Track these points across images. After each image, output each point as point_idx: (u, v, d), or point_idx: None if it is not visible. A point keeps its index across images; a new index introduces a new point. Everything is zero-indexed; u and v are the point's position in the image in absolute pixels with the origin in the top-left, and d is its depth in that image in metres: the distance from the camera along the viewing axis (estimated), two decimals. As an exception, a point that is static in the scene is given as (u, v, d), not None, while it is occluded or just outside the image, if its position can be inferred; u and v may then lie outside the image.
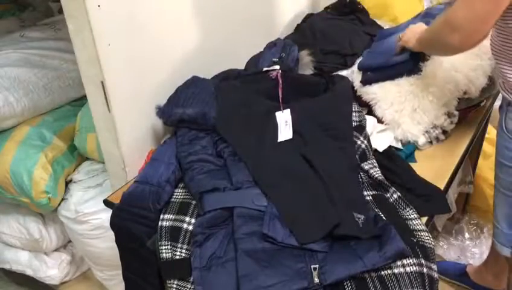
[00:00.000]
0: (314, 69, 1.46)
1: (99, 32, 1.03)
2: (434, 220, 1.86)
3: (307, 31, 1.72)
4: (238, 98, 1.21)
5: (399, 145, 1.26)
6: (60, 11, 2.09)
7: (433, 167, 1.21)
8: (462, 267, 1.82)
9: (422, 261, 0.90)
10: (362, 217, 0.95)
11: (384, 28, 1.70)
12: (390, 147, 1.24)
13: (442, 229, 2.03)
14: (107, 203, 1.19)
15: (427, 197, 1.09)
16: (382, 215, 0.99)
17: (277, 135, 1.15)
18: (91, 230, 1.56)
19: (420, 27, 1.28)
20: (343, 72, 1.48)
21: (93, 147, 1.56)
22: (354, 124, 1.20)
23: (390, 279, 0.86)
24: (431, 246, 0.95)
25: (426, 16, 1.43)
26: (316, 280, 0.83)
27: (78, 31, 1.04)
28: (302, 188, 1.01)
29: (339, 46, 1.59)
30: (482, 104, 1.47)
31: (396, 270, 0.87)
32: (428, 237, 0.96)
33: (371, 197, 1.05)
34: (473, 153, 1.93)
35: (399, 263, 0.88)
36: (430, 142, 1.29)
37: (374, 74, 1.35)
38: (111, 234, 1.10)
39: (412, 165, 1.20)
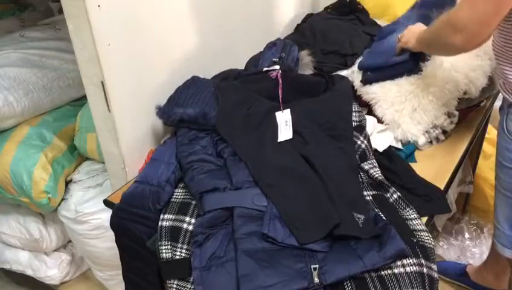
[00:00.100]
0: (314, 69, 1.46)
1: (99, 32, 1.03)
2: (434, 220, 1.86)
3: (307, 31, 1.72)
4: (238, 98, 1.20)
5: (399, 145, 1.26)
6: (60, 11, 2.09)
7: (433, 167, 1.21)
8: (462, 267, 1.82)
9: (422, 261, 0.90)
10: (362, 217, 0.95)
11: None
12: (390, 147, 1.24)
13: (442, 229, 2.03)
14: (107, 203, 1.19)
15: (427, 197, 1.09)
16: (382, 215, 0.99)
17: (277, 135, 1.15)
18: (91, 230, 1.56)
19: (419, 27, 1.28)
20: (343, 72, 1.48)
21: (93, 147, 1.56)
22: (354, 124, 1.20)
23: (390, 279, 0.86)
24: (431, 246, 0.95)
25: (422, 5, 1.42)
26: (316, 280, 0.83)
27: (78, 31, 1.04)
28: (302, 188, 1.01)
29: (339, 46, 1.59)
30: (482, 104, 1.47)
31: (396, 270, 0.87)
32: (428, 237, 0.96)
33: (371, 197, 1.05)
34: (473, 153, 1.93)
35: (399, 263, 0.88)
36: (430, 142, 1.29)
37: (374, 74, 1.35)
38: (111, 234, 1.10)
39: (412, 165, 1.20)
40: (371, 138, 1.22)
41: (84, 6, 0.98)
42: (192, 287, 0.89)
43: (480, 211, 2.09)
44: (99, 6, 1.01)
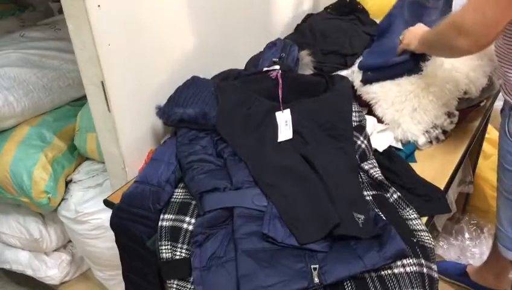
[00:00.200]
0: (314, 69, 1.46)
1: (99, 32, 1.03)
2: (434, 220, 1.86)
3: (307, 31, 1.72)
4: (238, 98, 1.20)
5: (399, 145, 1.26)
6: (60, 11, 2.09)
7: (433, 167, 1.21)
8: (462, 267, 1.82)
9: (422, 261, 0.90)
10: (362, 217, 0.95)
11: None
12: (390, 147, 1.24)
13: (442, 229, 2.03)
14: (107, 203, 1.19)
15: (427, 197, 1.09)
16: (382, 215, 0.99)
17: (277, 135, 1.15)
18: (91, 230, 1.56)
19: (420, 28, 1.28)
20: (343, 72, 1.48)
21: (93, 147, 1.56)
22: (354, 124, 1.20)
23: (390, 279, 0.86)
24: (431, 246, 0.95)
25: None
26: (316, 280, 0.83)
27: (78, 31, 1.04)
28: (302, 188, 1.01)
29: (339, 46, 1.59)
30: (482, 104, 1.47)
31: (396, 270, 0.87)
32: (428, 237, 0.96)
33: (371, 197, 1.05)
34: (473, 153, 1.93)
35: (399, 263, 0.88)
36: (430, 142, 1.29)
37: (374, 74, 1.35)
38: (111, 234, 1.10)
39: (412, 165, 1.20)
40: (371, 138, 1.22)
41: (84, 6, 0.98)
42: (192, 287, 0.89)
43: (480, 211, 2.09)
44: (99, 6, 1.01)
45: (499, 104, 1.83)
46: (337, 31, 1.68)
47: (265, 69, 1.31)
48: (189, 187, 1.05)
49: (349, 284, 0.84)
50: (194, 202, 1.03)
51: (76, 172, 1.65)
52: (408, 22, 1.40)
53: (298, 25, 1.84)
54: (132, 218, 1.05)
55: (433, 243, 0.96)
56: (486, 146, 2.01)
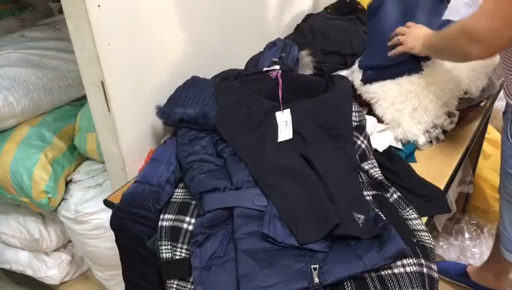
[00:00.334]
0: (314, 69, 1.46)
1: (99, 32, 1.03)
2: (434, 220, 1.86)
3: (307, 31, 1.72)
4: (238, 98, 1.20)
5: (399, 145, 1.26)
6: (60, 11, 2.09)
7: (433, 167, 1.21)
8: (462, 267, 1.82)
9: (422, 261, 0.90)
10: (362, 217, 0.95)
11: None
12: (390, 147, 1.24)
13: (442, 229, 2.03)
14: (107, 203, 1.19)
15: (427, 197, 1.09)
16: (382, 215, 0.99)
17: (277, 135, 1.15)
18: (91, 230, 1.56)
19: (421, 29, 1.26)
20: (343, 72, 1.48)
21: (93, 147, 1.56)
22: (354, 124, 1.20)
23: (390, 279, 0.86)
24: (431, 246, 0.95)
25: None
26: (316, 280, 0.83)
27: (78, 31, 1.04)
28: (302, 188, 1.01)
29: (339, 46, 1.59)
30: (482, 104, 1.47)
31: (396, 270, 0.87)
32: (428, 237, 0.96)
33: (371, 197, 1.05)
34: (473, 153, 1.93)
35: (399, 263, 0.88)
36: (430, 142, 1.29)
37: (375, 73, 1.35)
38: (111, 234, 1.10)
39: (412, 165, 1.20)
40: (371, 137, 1.22)
41: (84, 6, 0.98)
42: (192, 287, 0.89)
43: (480, 211, 2.09)
44: (99, 6, 1.01)
45: (498, 104, 1.84)
46: (337, 31, 1.68)
47: (265, 69, 1.31)
48: (189, 187, 1.05)
49: (349, 284, 0.84)
50: (194, 202, 1.03)
51: (76, 172, 1.65)
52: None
53: (298, 25, 1.84)
54: (132, 218, 1.05)
55: (433, 243, 0.96)
56: (486, 146, 2.01)
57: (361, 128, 1.20)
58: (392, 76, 1.33)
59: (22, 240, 1.71)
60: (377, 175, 1.10)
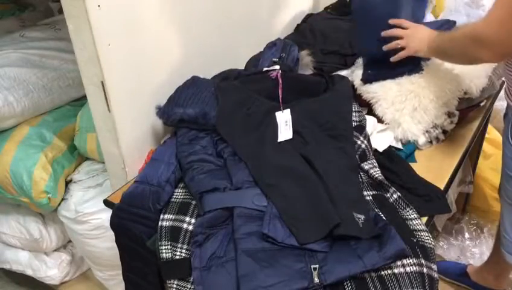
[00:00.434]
0: (314, 69, 1.46)
1: (99, 32, 1.03)
2: (434, 220, 1.86)
3: (307, 31, 1.72)
4: (238, 98, 1.20)
5: (399, 145, 1.26)
6: (60, 11, 2.09)
7: (433, 167, 1.21)
8: (462, 267, 1.82)
9: (422, 261, 0.90)
10: (362, 217, 0.95)
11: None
12: (390, 147, 1.24)
13: (442, 229, 2.03)
14: (107, 203, 1.19)
15: (427, 197, 1.09)
16: (382, 215, 0.99)
17: (277, 135, 1.15)
18: (91, 230, 1.56)
19: (424, 31, 1.24)
20: (343, 72, 1.48)
21: (93, 147, 1.55)
22: (354, 124, 1.20)
23: (390, 279, 0.86)
24: (431, 246, 0.95)
25: None
26: (316, 280, 0.83)
27: (78, 31, 1.04)
28: (302, 188, 1.01)
29: (339, 46, 1.59)
30: (482, 104, 1.47)
31: (396, 270, 0.87)
32: (428, 237, 0.96)
33: (371, 197, 1.05)
34: (473, 153, 1.93)
35: (399, 263, 0.88)
36: (430, 142, 1.29)
37: (375, 73, 1.35)
38: (111, 234, 1.10)
39: (412, 165, 1.20)
40: (371, 137, 1.22)
41: (84, 6, 0.98)
42: (192, 287, 0.89)
43: (480, 211, 2.09)
44: (99, 6, 1.01)
45: (498, 104, 1.84)
46: (337, 31, 1.68)
47: (265, 69, 1.31)
48: (189, 187, 1.05)
49: (349, 284, 0.84)
50: (194, 202, 1.03)
51: (76, 172, 1.65)
52: None
53: (298, 25, 1.84)
54: (132, 218, 1.05)
55: (433, 243, 0.96)
56: (486, 146, 2.00)
57: (361, 128, 1.20)
58: (392, 76, 1.33)
59: (22, 240, 1.71)
60: (377, 175, 1.10)
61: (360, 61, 1.46)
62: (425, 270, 0.89)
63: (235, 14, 1.50)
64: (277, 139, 1.15)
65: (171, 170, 1.11)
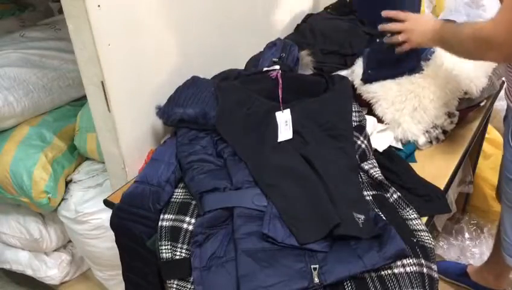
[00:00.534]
0: (314, 69, 1.46)
1: (99, 32, 1.03)
2: (434, 220, 1.86)
3: (307, 31, 1.72)
4: (238, 98, 1.20)
5: (399, 145, 1.26)
6: (60, 11, 2.09)
7: (433, 167, 1.21)
8: (462, 267, 1.83)
9: (422, 261, 0.90)
10: (362, 217, 0.95)
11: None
12: (390, 147, 1.24)
13: (442, 229, 2.03)
14: (107, 203, 1.19)
15: (427, 197, 1.09)
16: (382, 215, 0.99)
17: (277, 135, 1.15)
18: (91, 230, 1.56)
19: (427, 24, 1.21)
20: (343, 72, 1.48)
21: (93, 147, 1.55)
22: (354, 124, 1.20)
23: (390, 279, 0.86)
24: (431, 246, 0.95)
25: None
26: (316, 280, 0.83)
27: (78, 31, 1.04)
28: (302, 188, 1.01)
29: (339, 46, 1.59)
30: (482, 104, 1.47)
31: (396, 270, 0.87)
32: (428, 237, 0.96)
33: (371, 197, 1.05)
34: (473, 153, 1.93)
35: (399, 263, 0.88)
36: (430, 142, 1.29)
37: (375, 73, 1.35)
38: (111, 234, 1.10)
39: (412, 165, 1.20)
40: (371, 138, 1.22)
41: (84, 6, 0.98)
42: (192, 287, 0.89)
43: (480, 211, 2.09)
44: (99, 6, 1.01)
45: (498, 104, 1.84)
46: (337, 31, 1.67)
47: (265, 69, 1.31)
48: (189, 187, 1.05)
49: (349, 284, 0.84)
50: (194, 202, 1.03)
51: (76, 172, 1.65)
52: None
53: (298, 25, 1.84)
54: (132, 218, 1.05)
55: (433, 243, 0.96)
56: (486, 146, 2.00)
57: (361, 128, 1.20)
58: (393, 76, 1.33)
59: (22, 240, 1.71)
60: (377, 175, 1.10)
61: (360, 61, 1.46)
62: (425, 270, 0.89)
63: (235, 14, 1.49)
64: (277, 139, 1.15)
65: (171, 170, 1.10)
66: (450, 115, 1.29)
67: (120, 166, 1.23)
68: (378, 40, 1.38)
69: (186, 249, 0.95)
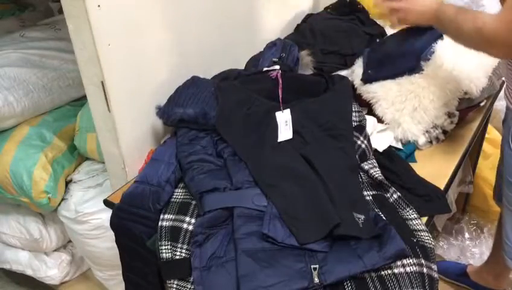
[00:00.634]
0: (314, 69, 1.46)
1: (99, 32, 1.03)
2: (434, 220, 1.86)
3: (307, 31, 1.72)
4: (238, 98, 1.20)
5: (399, 145, 1.26)
6: (60, 11, 2.09)
7: (433, 167, 1.21)
8: (462, 267, 1.83)
9: (422, 261, 0.90)
10: (362, 217, 0.95)
11: (384, 28, 1.69)
12: (390, 147, 1.24)
13: (442, 229, 2.03)
14: (107, 203, 1.19)
15: (427, 197, 1.09)
16: (382, 215, 0.99)
17: (277, 135, 1.15)
18: (91, 230, 1.56)
19: (424, 2, 1.19)
20: (343, 72, 1.48)
21: (93, 147, 1.56)
22: (354, 124, 1.20)
23: (390, 279, 0.86)
24: (431, 246, 0.95)
25: None
26: (316, 280, 0.83)
27: (78, 31, 1.04)
28: (302, 188, 1.01)
29: (339, 46, 1.59)
30: (482, 104, 1.47)
31: (396, 270, 0.87)
32: (428, 237, 0.96)
33: (371, 197, 1.05)
34: (473, 153, 1.93)
35: (399, 263, 0.88)
36: (430, 142, 1.29)
37: (375, 72, 1.35)
38: (111, 234, 1.10)
39: (412, 165, 1.20)
40: (371, 138, 1.22)
41: (84, 6, 0.98)
42: (192, 287, 0.89)
43: (480, 211, 2.09)
44: (99, 6, 1.01)
45: (498, 104, 1.84)
46: (337, 31, 1.67)
47: (265, 69, 1.31)
48: (189, 187, 1.05)
49: (349, 284, 0.84)
50: (194, 202, 1.03)
51: (76, 172, 1.65)
52: None
53: (298, 25, 1.84)
54: (132, 218, 1.05)
55: (433, 243, 0.96)
56: (486, 146, 2.00)
57: (361, 128, 1.20)
58: (393, 76, 1.33)
59: (22, 240, 1.71)
60: (377, 175, 1.10)
61: (360, 61, 1.46)
62: (425, 270, 0.89)
63: (235, 14, 1.49)
64: (277, 139, 1.15)
65: (171, 170, 1.10)
66: (450, 115, 1.29)
67: (120, 166, 1.23)
68: (378, 40, 1.38)
69: (186, 249, 0.95)
